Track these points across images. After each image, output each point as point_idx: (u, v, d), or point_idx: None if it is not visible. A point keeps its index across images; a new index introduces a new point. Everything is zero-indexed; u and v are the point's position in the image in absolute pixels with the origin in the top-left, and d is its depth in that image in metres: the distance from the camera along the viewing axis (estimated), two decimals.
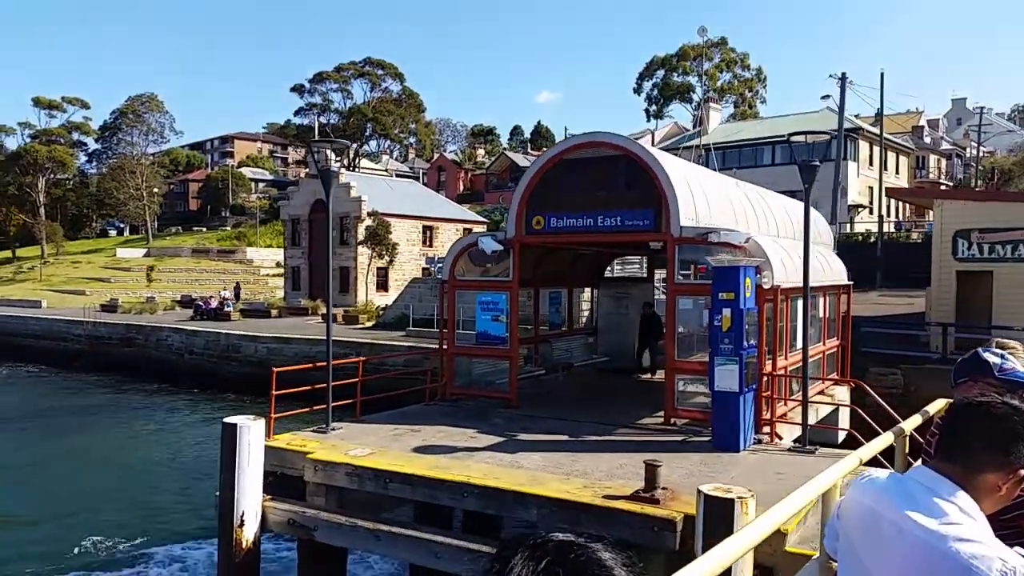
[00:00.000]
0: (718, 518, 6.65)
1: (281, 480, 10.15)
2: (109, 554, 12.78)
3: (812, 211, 12.36)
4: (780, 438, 11.19)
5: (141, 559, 12.52)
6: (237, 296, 46.53)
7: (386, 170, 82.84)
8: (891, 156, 55.64)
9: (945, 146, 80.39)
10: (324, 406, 11.32)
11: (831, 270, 16.14)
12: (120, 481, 16.96)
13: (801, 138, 10.61)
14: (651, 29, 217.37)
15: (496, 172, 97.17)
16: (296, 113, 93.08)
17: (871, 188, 50.76)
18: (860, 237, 40.06)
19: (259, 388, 17.03)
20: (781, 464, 9.76)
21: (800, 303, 13.60)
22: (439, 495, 9.04)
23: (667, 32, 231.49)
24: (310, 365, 13.55)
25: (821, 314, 15.49)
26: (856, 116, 59.08)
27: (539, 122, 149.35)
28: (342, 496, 9.84)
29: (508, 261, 13.56)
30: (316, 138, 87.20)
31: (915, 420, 4.95)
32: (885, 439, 4.37)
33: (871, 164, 51.70)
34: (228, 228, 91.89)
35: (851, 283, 17.25)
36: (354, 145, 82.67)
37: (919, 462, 2.96)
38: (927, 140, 76.06)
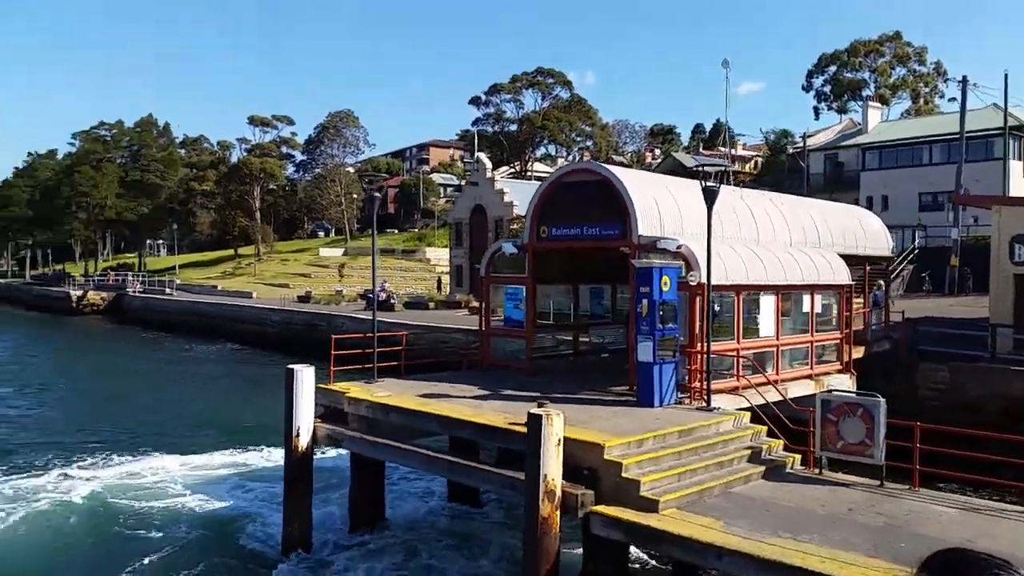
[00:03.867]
0: (534, 427, 10.41)
1: (332, 412, 14.89)
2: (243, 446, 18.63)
3: (855, 217, 15.31)
4: (704, 401, 14.26)
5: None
6: (383, 290, 53.17)
7: None
8: None
9: None
10: (371, 365, 16.00)
11: (826, 270, 18.47)
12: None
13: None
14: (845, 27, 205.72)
15: (663, 173, 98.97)
16: (473, 123, 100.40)
17: None
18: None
19: (418, 368, 21.60)
20: (670, 416, 13.05)
21: (767, 299, 16.56)
22: (416, 422, 13.36)
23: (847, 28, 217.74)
24: (362, 335, 18.31)
25: (807, 308, 17.97)
26: None
27: (718, 120, 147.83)
28: (370, 424, 14.39)
29: (525, 261, 17.56)
30: (478, 148, 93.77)
31: None
32: None
33: None
34: (415, 230, 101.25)
35: (852, 283, 19.33)
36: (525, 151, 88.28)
37: None
38: None
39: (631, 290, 15.08)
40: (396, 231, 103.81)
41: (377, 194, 18.00)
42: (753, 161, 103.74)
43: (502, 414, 12.68)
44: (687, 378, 14.80)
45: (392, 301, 49.14)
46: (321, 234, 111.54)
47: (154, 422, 25.16)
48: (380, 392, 14.70)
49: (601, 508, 10.43)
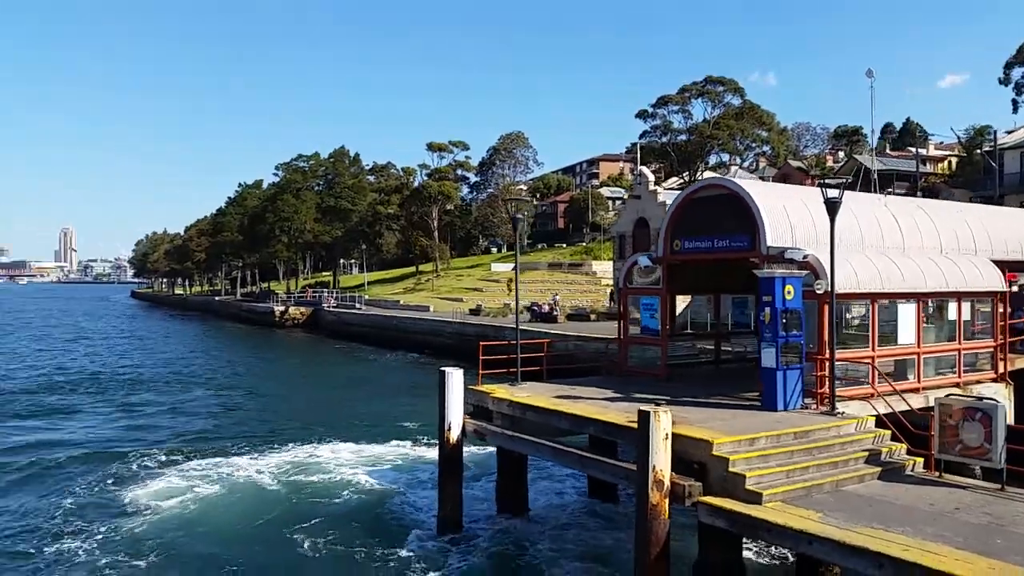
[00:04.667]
0: (643, 423, 11.51)
1: (479, 410, 16.65)
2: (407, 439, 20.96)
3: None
4: (830, 406, 14.59)
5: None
6: (555, 304, 54.93)
7: None
8: None
9: None
10: (516, 370, 17.67)
11: (975, 277, 17.96)
12: None
13: None
14: None
15: (843, 177, 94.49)
16: (641, 136, 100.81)
17: None
18: None
19: (560, 373, 23.28)
20: (790, 419, 13.60)
21: (906, 307, 16.62)
22: (549, 419, 14.80)
23: None
24: (507, 343, 19.95)
25: (953, 316, 17.59)
26: None
27: (908, 119, 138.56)
28: (511, 420, 16.00)
29: (658, 274, 18.54)
30: (645, 161, 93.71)
31: None
32: None
33: None
34: (584, 244, 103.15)
35: (1006, 290, 18.58)
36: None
37: None
38: None
39: (757, 299, 15.69)
40: (564, 245, 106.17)
41: (520, 215, 19.70)
42: (946, 161, 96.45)
43: (625, 414, 13.81)
44: (816, 384, 15.16)
45: (555, 313, 51.01)
46: (494, 250, 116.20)
47: (335, 417, 28.89)
48: (520, 393, 16.29)
49: (708, 498, 11.34)
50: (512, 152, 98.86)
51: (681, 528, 12.69)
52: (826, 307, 15.03)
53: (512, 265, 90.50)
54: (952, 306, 17.60)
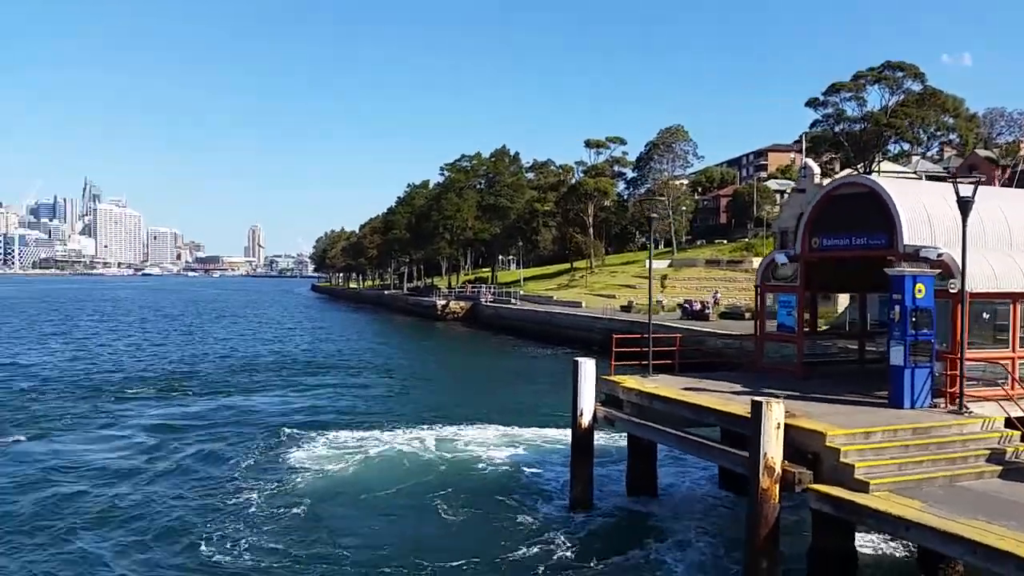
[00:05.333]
0: (756, 413, 12.19)
1: (611, 398, 17.73)
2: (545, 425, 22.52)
3: None
4: (958, 405, 14.43)
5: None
6: (716, 302, 54.44)
7: (915, 172, 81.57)
8: None
9: None
10: (648, 362, 18.59)
11: None
12: None
13: None
14: None
15: None
16: (812, 125, 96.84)
17: None
18: None
19: (699, 367, 23.17)
20: (913, 416, 13.74)
21: None
22: (673, 409, 15.66)
23: None
24: (639, 336, 20.76)
25: None
26: None
27: None
28: (640, 409, 16.97)
29: (797, 270, 18.77)
30: (816, 152, 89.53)
31: None
32: None
33: None
34: (745, 240, 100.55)
35: None
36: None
37: None
38: None
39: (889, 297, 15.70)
40: (725, 241, 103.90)
41: (655, 215, 20.58)
42: None
43: (745, 406, 14.43)
44: (947, 383, 15.02)
45: (707, 311, 50.79)
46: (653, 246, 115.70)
47: (482, 402, 31.48)
48: (649, 384, 17.22)
49: (817, 486, 11.87)
50: (671, 146, 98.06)
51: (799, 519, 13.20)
52: (959, 306, 14.87)
53: (668, 262, 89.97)
54: None
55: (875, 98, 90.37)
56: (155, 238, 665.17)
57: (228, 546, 15.12)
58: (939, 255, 15.15)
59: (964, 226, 14.23)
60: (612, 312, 57.70)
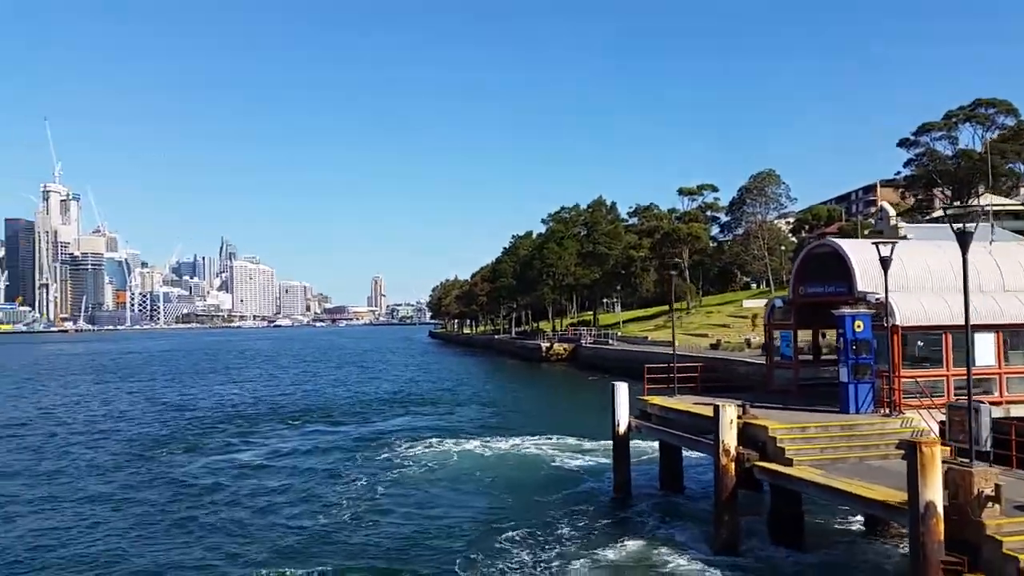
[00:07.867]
0: (716, 413, 17.61)
1: (644, 413, 23.28)
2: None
3: None
4: (900, 411, 19.10)
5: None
6: None
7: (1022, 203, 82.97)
8: None
9: None
10: (671, 384, 24.10)
11: None
12: None
13: None
14: None
15: None
16: (905, 165, 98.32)
17: None
18: None
19: (729, 389, 28.85)
20: (851, 419, 18.67)
21: (984, 335, 20.72)
22: (680, 417, 21.11)
23: None
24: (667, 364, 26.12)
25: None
26: None
27: None
28: (664, 420, 22.43)
29: (790, 313, 23.87)
30: (906, 191, 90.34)
31: None
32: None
33: None
34: None
35: None
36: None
37: None
38: None
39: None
40: None
41: (675, 270, 26.08)
42: None
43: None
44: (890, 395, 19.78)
45: None
46: (754, 286, 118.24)
47: (561, 424, 37.82)
48: (669, 400, 22.73)
49: (760, 463, 17.16)
50: (763, 190, 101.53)
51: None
52: (895, 337, 19.72)
53: (765, 301, 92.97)
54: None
55: (967, 136, 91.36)
56: (287, 291, 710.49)
57: (361, 511, 22.08)
58: (876, 299, 20.10)
59: (885, 276, 19.19)
60: (699, 350, 62.13)
